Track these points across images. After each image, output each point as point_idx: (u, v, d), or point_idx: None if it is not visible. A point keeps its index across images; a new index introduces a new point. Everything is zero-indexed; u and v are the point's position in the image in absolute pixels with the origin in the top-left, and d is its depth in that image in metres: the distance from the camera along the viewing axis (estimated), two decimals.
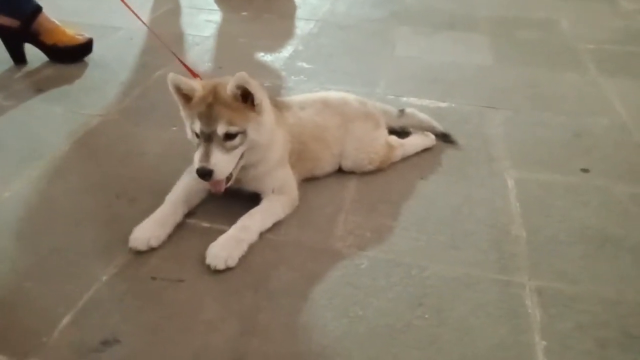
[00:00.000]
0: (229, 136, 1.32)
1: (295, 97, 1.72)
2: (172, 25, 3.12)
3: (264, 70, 2.53)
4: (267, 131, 1.40)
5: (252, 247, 1.36)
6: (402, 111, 1.87)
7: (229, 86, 1.31)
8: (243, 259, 1.32)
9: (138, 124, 2.00)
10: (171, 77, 1.37)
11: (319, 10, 3.42)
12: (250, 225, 1.39)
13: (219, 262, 1.28)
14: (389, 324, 1.17)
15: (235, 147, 1.33)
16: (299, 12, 3.42)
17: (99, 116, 2.04)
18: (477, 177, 1.72)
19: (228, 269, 1.29)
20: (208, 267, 1.29)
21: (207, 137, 1.32)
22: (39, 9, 2.37)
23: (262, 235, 1.41)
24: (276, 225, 1.45)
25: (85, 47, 2.50)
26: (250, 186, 1.49)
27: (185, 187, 1.49)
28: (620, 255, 1.39)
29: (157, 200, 1.52)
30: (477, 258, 1.37)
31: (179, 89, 1.38)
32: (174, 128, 1.96)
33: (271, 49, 2.80)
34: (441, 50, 2.81)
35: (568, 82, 2.47)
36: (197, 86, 1.37)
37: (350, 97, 1.77)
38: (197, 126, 1.33)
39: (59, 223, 1.46)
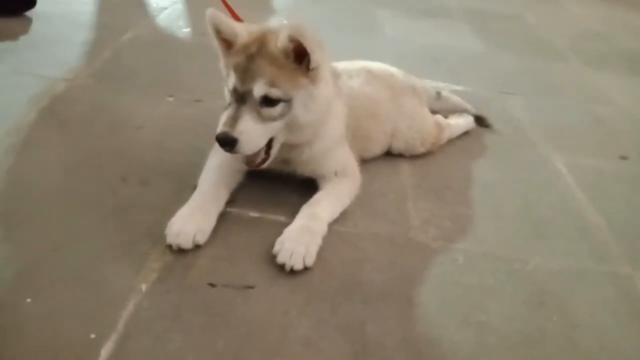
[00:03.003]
0: (268, 101, 0.99)
1: (336, 64, 1.44)
2: None
3: None
4: (319, 108, 1.06)
5: (323, 241, 1.08)
6: (439, 93, 1.68)
7: (280, 37, 0.99)
8: (317, 257, 1.04)
9: (120, 92, 1.60)
10: (211, 13, 1.03)
11: None
12: (320, 213, 1.10)
13: (297, 261, 0.99)
14: (520, 330, 0.97)
15: (273, 119, 1.01)
16: None
17: (66, 80, 1.60)
18: (526, 161, 1.59)
19: (305, 269, 1.00)
20: (280, 267, 0.99)
21: (241, 97, 0.99)
22: None
23: (329, 226, 1.13)
24: (341, 215, 1.18)
25: (28, 0, 2.01)
26: (306, 170, 1.19)
27: (220, 167, 1.16)
28: None
29: (177, 183, 1.20)
30: (570, 248, 1.22)
31: (218, 32, 1.06)
32: (170, 98, 1.60)
33: (252, 19, 2.47)
34: (430, 34, 2.69)
35: (559, 71, 2.46)
36: (240, 31, 1.04)
37: (392, 68, 1.55)
38: (232, 81, 1.01)
39: (50, 214, 1.06)
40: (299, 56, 1.00)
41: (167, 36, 2.09)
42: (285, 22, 1.08)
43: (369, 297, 0.98)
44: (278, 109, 1.00)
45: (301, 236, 1.03)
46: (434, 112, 1.63)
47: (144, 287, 0.91)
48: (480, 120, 1.74)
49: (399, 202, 1.28)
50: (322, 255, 1.05)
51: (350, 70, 1.40)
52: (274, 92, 0.98)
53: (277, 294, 0.95)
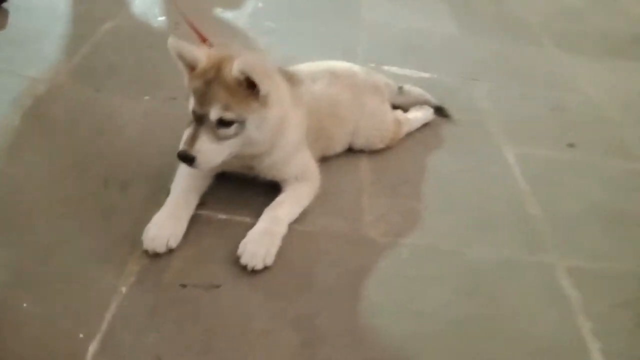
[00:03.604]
0: (223, 123, 1.11)
1: (301, 67, 1.54)
2: None
3: (228, 29, 2.28)
4: (270, 128, 1.18)
5: (283, 241, 1.22)
6: (401, 88, 1.78)
7: (233, 69, 1.10)
8: (278, 255, 1.18)
9: (98, 90, 1.69)
10: (171, 42, 1.14)
11: None
12: (280, 215, 1.24)
13: (258, 262, 1.13)
14: (452, 317, 1.13)
15: (228, 138, 1.13)
16: None
17: (47, 79, 1.68)
18: (480, 153, 1.72)
19: (265, 268, 1.15)
20: (243, 267, 1.14)
21: (199, 119, 1.12)
22: None
23: (289, 226, 1.27)
24: (301, 214, 1.32)
25: None
26: (268, 174, 1.32)
27: (191, 172, 1.27)
28: (632, 229, 1.48)
29: (154, 185, 1.32)
30: (507, 239, 1.38)
31: (181, 57, 1.16)
32: (147, 97, 1.69)
33: (228, 3, 2.52)
34: (406, 16, 2.73)
35: (531, 55, 2.55)
36: (201, 56, 1.15)
37: (355, 66, 1.64)
38: (191, 103, 1.14)
39: (38, 218, 1.19)
40: (251, 83, 1.11)
41: (143, 26, 2.14)
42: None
43: (321, 291, 1.14)
44: (232, 129, 1.12)
45: (262, 239, 1.17)
46: (396, 106, 1.74)
47: (124, 289, 1.06)
48: (440, 111, 1.85)
49: (355, 199, 1.42)
50: (281, 254, 1.19)
51: (314, 74, 1.50)
52: (228, 115, 1.10)
53: (240, 292, 1.10)
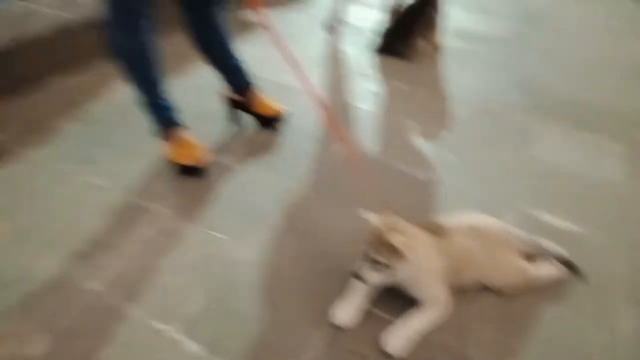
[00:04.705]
0: (379, 262, 1.91)
1: (452, 220, 2.22)
2: (340, 91, 3.74)
3: (421, 161, 3.02)
4: (411, 268, 1.92)
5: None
6: (534, 242, 2.31)
7: (389, 237, 1.87)
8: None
9: (326, 203, 2.64)
10: (373, 220, 1.98)
11: (468, 89, 3.85)
12: (414, 326, 1.99)
13: (395, 352, 1.90)
14: None
15: (382, 270, 1.92)
16: (450, 90, 3.87)
17: (295, 190, 2.73)
18: (592, 318, 2.11)
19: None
20: (384, 350, 1.91)
21: (368, 258, 1.94)
22: (252, 85, 3.12)
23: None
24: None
25: (281, 118, 3.22)
26: (411, 294, 2.07)
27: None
28: None
29: (348, 282, 2.15)
30: None
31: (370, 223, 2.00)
32: (349, 210, 2.58)
33: (426, 135, 3.30)
34: (575, 156, 3.11)
35: None
36: (377, 225, 1.95)
37: (495, 224, 2.27)
38: (366, 249, 1.96)
39: (286, 288, 2.15)
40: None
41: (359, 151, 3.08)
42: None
43: None
44: (384, 266, 1.92)
45: (399, 338, 1.93)
46: (528, 256, 2.29)
47: (321, 346, 1.94)
48: (570, 266, 2.31)
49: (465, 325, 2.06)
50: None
51: (459, 227, 2.17)
52: (383, 260, 1.91)
53: None
